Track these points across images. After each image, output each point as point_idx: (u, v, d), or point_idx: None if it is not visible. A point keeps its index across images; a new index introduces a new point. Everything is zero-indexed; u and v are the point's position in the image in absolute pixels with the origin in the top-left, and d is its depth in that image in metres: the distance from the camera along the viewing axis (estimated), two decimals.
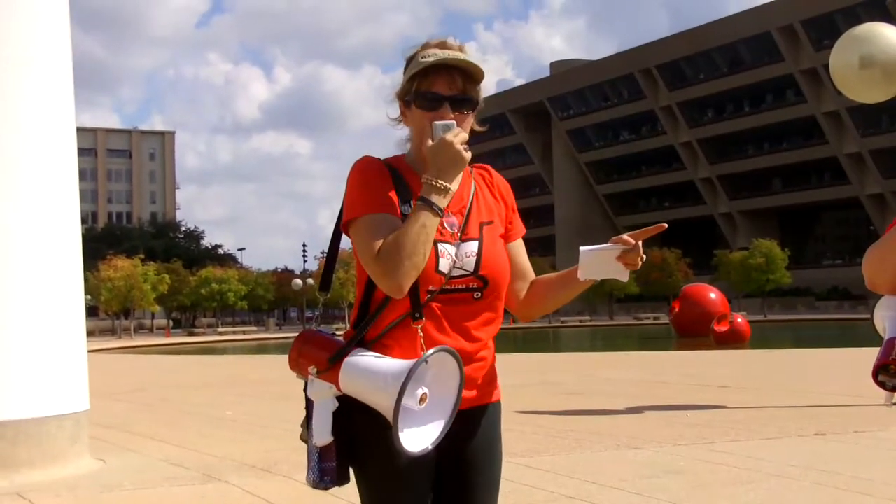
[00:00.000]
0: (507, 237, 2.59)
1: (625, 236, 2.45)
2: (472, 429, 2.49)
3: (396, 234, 2.28)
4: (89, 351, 8.44)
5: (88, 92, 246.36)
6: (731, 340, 32.60)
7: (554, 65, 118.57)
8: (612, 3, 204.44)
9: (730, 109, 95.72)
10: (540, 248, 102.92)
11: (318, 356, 2.34)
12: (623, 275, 2.49)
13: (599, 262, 2.48)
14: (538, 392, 14.18)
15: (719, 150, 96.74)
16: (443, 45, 2.49)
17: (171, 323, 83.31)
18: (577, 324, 73.51)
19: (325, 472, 2.38)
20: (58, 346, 7.59)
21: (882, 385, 3.43)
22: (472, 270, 2.42)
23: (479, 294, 2.44)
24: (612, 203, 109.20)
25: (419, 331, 2.35)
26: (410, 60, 2.51)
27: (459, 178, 2.42)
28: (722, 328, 34.09)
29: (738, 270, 75.46)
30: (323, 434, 2.34)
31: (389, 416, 2.16)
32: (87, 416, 7.95)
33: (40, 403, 7.38)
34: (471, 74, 2.48)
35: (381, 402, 2.19)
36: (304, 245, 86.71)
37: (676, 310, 38.00)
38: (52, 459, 7.33)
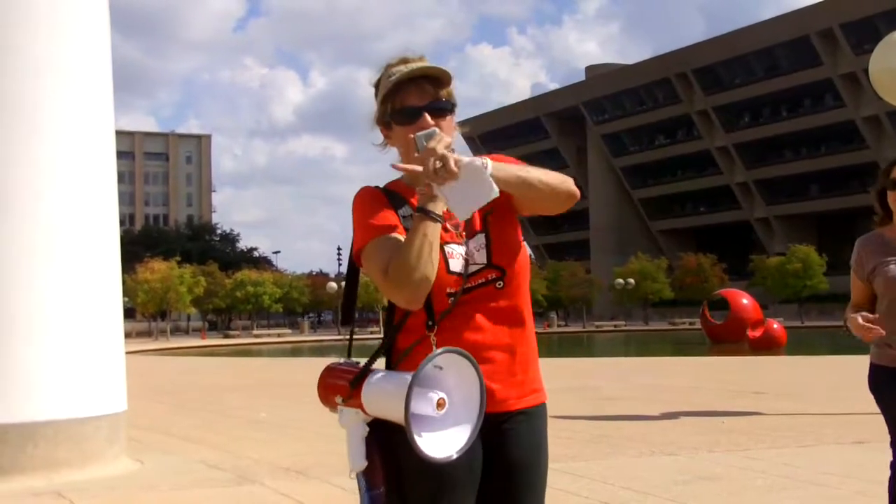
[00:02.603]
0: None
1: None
2: (519, 432, 2.51)
3: (400, 250, 2.31)
4: (126, 352, 8.52)
5: (126, 95, 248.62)
6: (767, 346, 32.41)
7: (589, 69, 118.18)
8: (647, 7, 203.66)
9: (767, 114, 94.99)
10: (574, 253, 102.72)
11: (341, 385, 2.37)
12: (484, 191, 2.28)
13: (460, 192, 2.29)
14: (573, 397, 14.14)
15: (756, 154, 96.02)
16: (404, 61, 2.53)
17: (206, 325, 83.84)
18: (612, 329, 73.24)
19: (375, 499, 2.38)
20: (96, 348, 7.67)
21: None
22: (486, 262, 2.46)
23: (501, 283, 2.46)
24: (647, 208, 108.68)
25: (431, 338, 2.37)
26: (378, 84, 2.55)
27: None
28: (756, 334, 33.88)
29: (774, 276, 74.89)
30: (357, 460, 2.35)
31: (400, 421, 2.16)
32: (124, 418, 8.03)
33: (79, 404, 7.46)
34: (438, 79, 2.51)
35: (394, 411, 2.19)
36: (338, 248, 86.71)
37: (712, 321, 37.81)
38: (91, 460, 7.41)
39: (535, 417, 2.56)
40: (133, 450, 8.35)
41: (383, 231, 2.39)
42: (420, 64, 2.50)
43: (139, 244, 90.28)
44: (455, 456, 2.22)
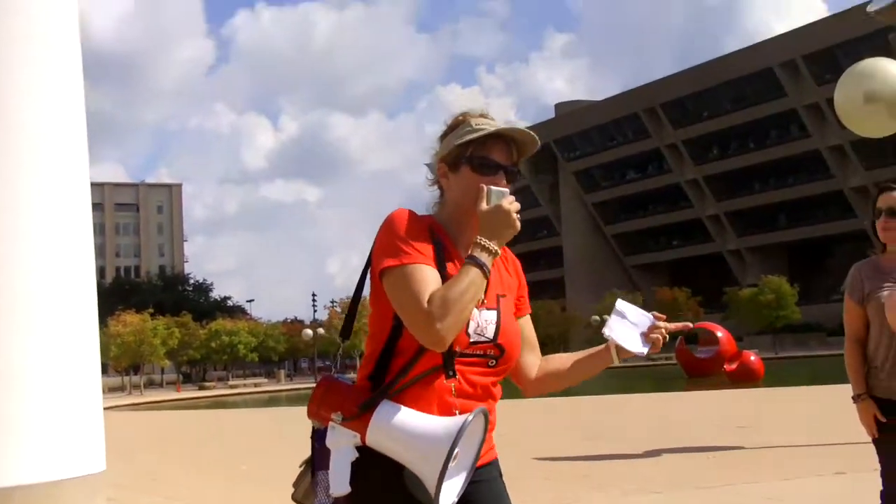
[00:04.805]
0: (517, 313, 2.64)
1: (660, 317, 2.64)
2: (483, 486, 2.49)
3: (446, 287, 2.30)
4: None
5: (96, 146, 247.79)
6: (745, 379, 32.47)
7: (559, 106, 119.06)
8: (613, 43, 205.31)
9: (735, 146, 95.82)
10: (550, 291, 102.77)
11: (345, 403, 2.31)
12: (642, 348, 2.58)
13: (630, 323, 2.58)
14: (555, 436, 14.08)
15: (726, 186, 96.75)
16: (483, 116, 2.57)
17: (181, 377, 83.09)
18: None
19: None
20: (73, 407, 7.55)
21: None
22: (491, 338, 2.45)
23: (494, 362, 2.46)
24: (620, 243, 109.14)
25: (452, 389, 2.36)
26: (456, 126, 2.56)
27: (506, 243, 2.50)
28: (732, 367, 34.00)
29: (748, 307, 75.19)
30: (341, 484, 2.29)
31: (428, 478, 2.17)
32: (103, 478, 7.89)
33: (55, 466, 7.32)
34: (524, 146, 2.56)
35: (420, 463, 2.20)
36: (313, 294, 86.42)
37: (692, 355, 37.93)
38: None
39: (495, 470, 2.55)
40: None
41: (425, 261, 2.36)
42: (502, 125, 2.52)
43: (111, 297, 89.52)
44: (455, 500, 2.24)
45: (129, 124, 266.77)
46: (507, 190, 2.48)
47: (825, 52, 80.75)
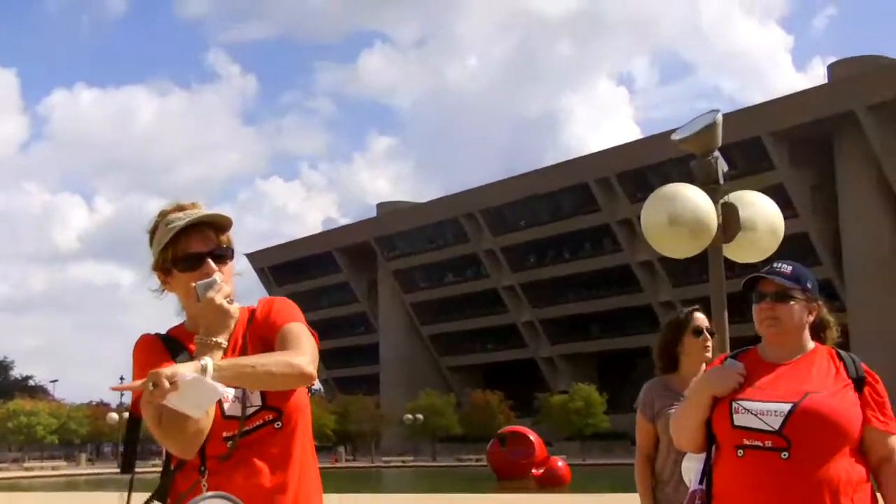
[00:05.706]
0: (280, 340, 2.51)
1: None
2: None
3: None
4: None
5: None
6: (552, 484, 33.01)
7: (381, 206, 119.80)
8: (437, 149, 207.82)
9: (551, 255, 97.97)
10: (364, 387, 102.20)
11: None
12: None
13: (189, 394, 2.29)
14: None
15: (541, 294, 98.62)
16: (180, 209, 2.57)
17: None
18: (400, 464, 72.79)
19: None
20: None
21: None
22: (262, 403, 2.47)
23: (279, 423, 2.47)
24: (436, 344, 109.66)
25: (203, 483, 2.37)
26: (154, 232, 2.56)
27: (231, 329, 2.46)
28: (539, 472, 34.52)
29: (558, 413, 76.68)
30: None
31: None
32: None
33: None
34: (220, 226, 2.58)
35: None
36: (121, 378, 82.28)
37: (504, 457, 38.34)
38: None
39: None
40: None
41: None
42: (197, 210, 2.53)
43: None
44: None
45: None
46: (214, 278, 2.46)
47: (637, 171, 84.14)
